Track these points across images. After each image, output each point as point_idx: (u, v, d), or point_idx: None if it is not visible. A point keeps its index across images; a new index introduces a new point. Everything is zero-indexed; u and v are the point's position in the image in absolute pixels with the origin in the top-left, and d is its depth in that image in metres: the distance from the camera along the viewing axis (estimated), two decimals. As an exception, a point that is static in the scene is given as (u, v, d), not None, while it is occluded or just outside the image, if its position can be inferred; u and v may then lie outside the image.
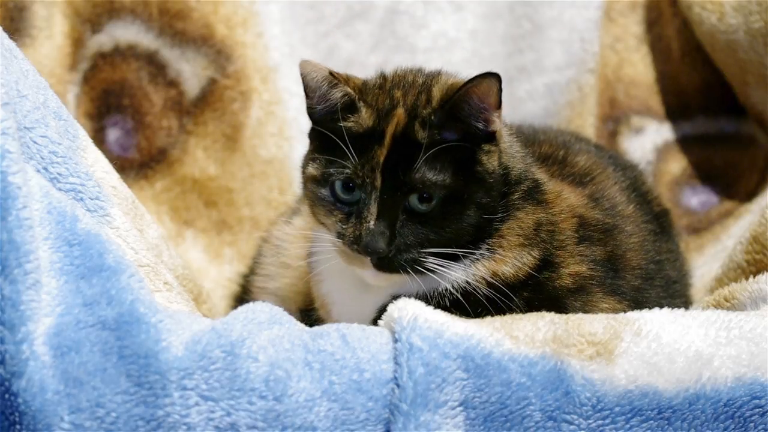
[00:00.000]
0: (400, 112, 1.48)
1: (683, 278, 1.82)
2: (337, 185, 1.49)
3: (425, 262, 1.46)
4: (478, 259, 1.49)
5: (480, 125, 1.47)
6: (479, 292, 1.48)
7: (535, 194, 1.55)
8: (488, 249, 1.50)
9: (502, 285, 1.49)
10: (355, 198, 1.48)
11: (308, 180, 1.53)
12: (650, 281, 1.63)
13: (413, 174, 1.44)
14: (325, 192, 1.50)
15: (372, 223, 1.45)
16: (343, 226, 1.49)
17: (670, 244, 1.81)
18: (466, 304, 1.48)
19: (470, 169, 1.47)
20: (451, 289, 1.48)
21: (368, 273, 1.49)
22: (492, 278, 1.49)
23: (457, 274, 1.49)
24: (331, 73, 1.51)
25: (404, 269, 1.46)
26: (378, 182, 1.45)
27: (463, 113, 1.46)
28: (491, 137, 1.49)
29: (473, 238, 1.49)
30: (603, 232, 1.59)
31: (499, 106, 1.47)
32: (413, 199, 1.45)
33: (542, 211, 1.54)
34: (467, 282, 1.48)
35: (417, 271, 1.47)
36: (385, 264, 1.47)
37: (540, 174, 1.59)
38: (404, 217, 1.46)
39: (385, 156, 1.45)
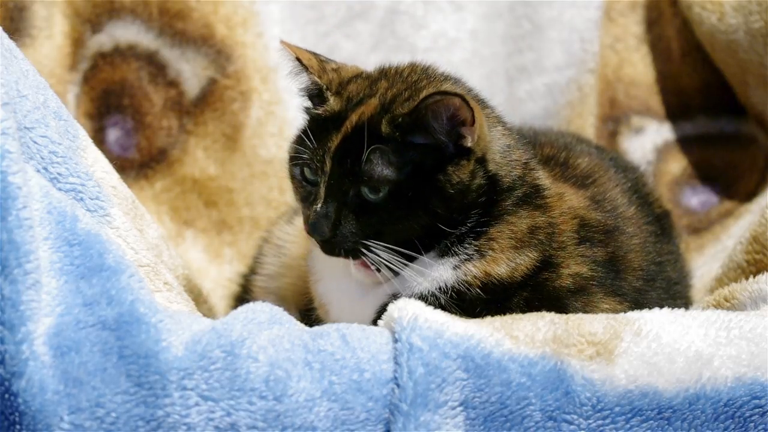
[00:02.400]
0: (374, 102, 1.48)
1: (684, 279, 1.82)
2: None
3: (367, 253, 1.46)
4: (468, 260, 1.49)
5: (447, 141, 1.45)
6: (474, 291, 1.48)
7: (533, 199, 1.53)
8: (477, 250, 1.49)
9: (498, 285, 1.49)
10: (317, 180, 1.49)
11: (288, 156, 1.55)
12: (651, 282, 1.63)
13: (362, 165, 1.44)
14: (296, 170, 1.52)
15: (319, 206, 1.46)
16: (305, 205, 1.51)
17: (671, 245, 1.80)
18: (463, 303, 1.48)
19: (432, 174, 1.45)
20: (445, 287, 1.48)
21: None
22: (485, 278, 1.49)
23: (446, 275, 1.49)
24: (297, 58, 1.53)
25: (345, 255, 1.48)
26: (327, 167, 1.46)
27: (429, 126, 1.44)
28: (465, 152, 1.47)
29: (424, 242, 1.47)
30: (604, 233, 1.58)
31: (473, 122, 1.44)
32: (364, 188, 1.45)
33: (540, 215, 1.53)
34: (458, 281, 1.48)
35: (357, 259, 1.48)
36: (327, 247, 1.48)
37: (543, 179, 1.57)
38: (354, 204, 1.46)
39: (338, 143, 1.46)
